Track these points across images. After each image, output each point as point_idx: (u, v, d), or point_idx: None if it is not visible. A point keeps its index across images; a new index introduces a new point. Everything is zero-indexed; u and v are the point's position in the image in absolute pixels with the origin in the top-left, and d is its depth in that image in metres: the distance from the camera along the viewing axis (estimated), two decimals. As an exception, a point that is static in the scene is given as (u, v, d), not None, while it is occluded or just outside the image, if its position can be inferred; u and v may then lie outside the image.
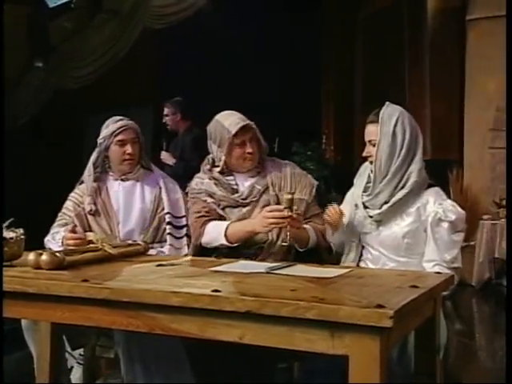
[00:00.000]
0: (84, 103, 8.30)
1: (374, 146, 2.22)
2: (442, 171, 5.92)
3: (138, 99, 7.96)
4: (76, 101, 8.14)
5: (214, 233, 2.49)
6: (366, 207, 2.24)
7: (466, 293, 5.83)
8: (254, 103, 7.44)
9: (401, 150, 2.19)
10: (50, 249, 2.55)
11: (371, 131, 2.24)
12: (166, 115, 5.13)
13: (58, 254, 2.00)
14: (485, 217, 6.21)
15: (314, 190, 2.49)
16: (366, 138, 2.25)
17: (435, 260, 2.16)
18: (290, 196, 2.22)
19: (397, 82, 6.61)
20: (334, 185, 6.45)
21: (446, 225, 2.16)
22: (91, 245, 2.29)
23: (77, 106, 8.27)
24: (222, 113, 2.55)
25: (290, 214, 2.21)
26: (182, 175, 3.84)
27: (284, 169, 2.53)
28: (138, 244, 2.46)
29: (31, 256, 1.99)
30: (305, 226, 2.39)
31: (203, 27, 7.04)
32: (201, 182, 2.63)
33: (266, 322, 1.53)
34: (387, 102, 2.27)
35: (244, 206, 2.51)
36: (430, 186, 2.28)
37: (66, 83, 8.25)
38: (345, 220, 2.28)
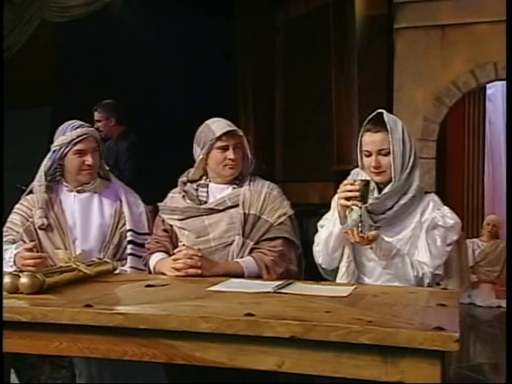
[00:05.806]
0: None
1: (384, 155, 2.26)
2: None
3: (35, 99, 7.58)
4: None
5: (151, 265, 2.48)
6: (368, 212, 2.27)
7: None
8: (168, 107, 7.39)
9: (410, 156, 2.27)
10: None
11: (379, 140, 2.26)
12: (98, 121, 4.79)
13: (37, 275, 1.87)
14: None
15: (284, 217, 2.46)
16: (373, 148, 2.26)
17: (424, 262, 2.22)
18: None
19: (323, 91, 6.74)
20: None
21: (441, 230, 2.25)
22: (61, 264, 2.16)
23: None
24: (213, 118, 2.51)
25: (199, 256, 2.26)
26: None
27: (261, 188, 2.50)
28: (106, 262, 2.36)
29: (7, 279, 1.86)
30: (239, 259, 2.36)
31: (113, 22, 6.86)
32: (171, 196, 2.57)
33: (309, 348, 1.51)
34: (381, 110, 2.32)
35: (208, 215, 2.46)
36: (425, 192, 2.36)
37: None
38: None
